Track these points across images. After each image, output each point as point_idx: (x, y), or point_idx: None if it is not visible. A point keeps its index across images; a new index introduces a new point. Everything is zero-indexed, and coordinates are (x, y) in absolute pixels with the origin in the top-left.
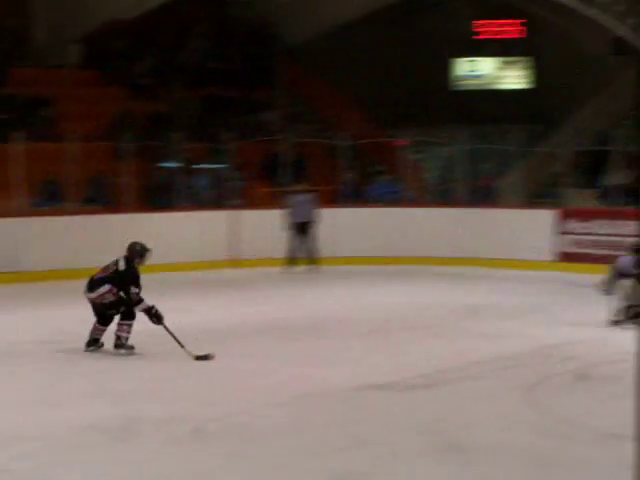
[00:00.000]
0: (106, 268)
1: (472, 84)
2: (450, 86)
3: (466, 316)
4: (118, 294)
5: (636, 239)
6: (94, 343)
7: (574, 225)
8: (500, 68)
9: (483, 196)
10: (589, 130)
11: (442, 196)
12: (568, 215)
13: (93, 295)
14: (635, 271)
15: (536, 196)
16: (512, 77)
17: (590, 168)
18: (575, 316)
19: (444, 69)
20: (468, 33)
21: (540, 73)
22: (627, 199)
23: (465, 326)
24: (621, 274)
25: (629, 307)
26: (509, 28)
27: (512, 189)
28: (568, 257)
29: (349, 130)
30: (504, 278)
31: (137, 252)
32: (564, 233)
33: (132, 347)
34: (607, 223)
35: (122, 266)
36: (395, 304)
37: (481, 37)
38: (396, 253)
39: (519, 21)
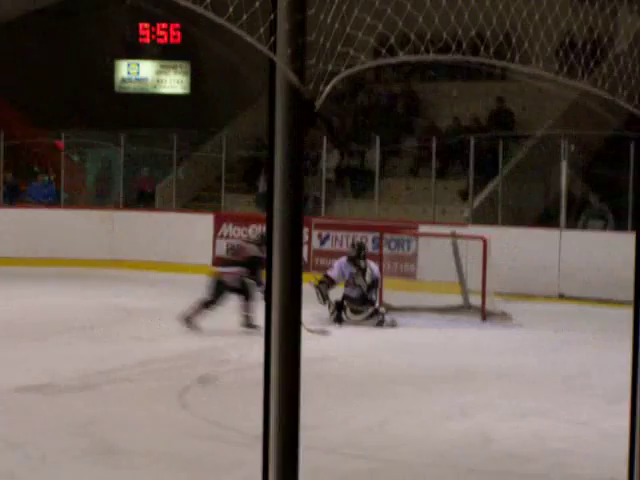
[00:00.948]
0: (235, 253)
1: (134, 87)
2: (113, 88)
3: (122, 319)
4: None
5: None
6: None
7: (230, 229)
8: (160, 72)
9: (142, 199)
10: (248, 136)
11: (101, 198)
12: (224, 219)
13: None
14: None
15: (195, 200)
16: (171, 81)
17: (249, 173)
18: (228, 319)
19: (107, 71)
20: (131, 36)
21: (198, 78)
22: None
23: (120, 329)
24: (331, 280)
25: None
26: (169, 32)
27: (171, 193)
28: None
29: (5, 130)
30: (161, 281)
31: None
32: (221, 237)
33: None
34: (262, 227)
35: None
36: (49, 306)
37: (143, 40)
38: (52, 254)
39: (177, 26)
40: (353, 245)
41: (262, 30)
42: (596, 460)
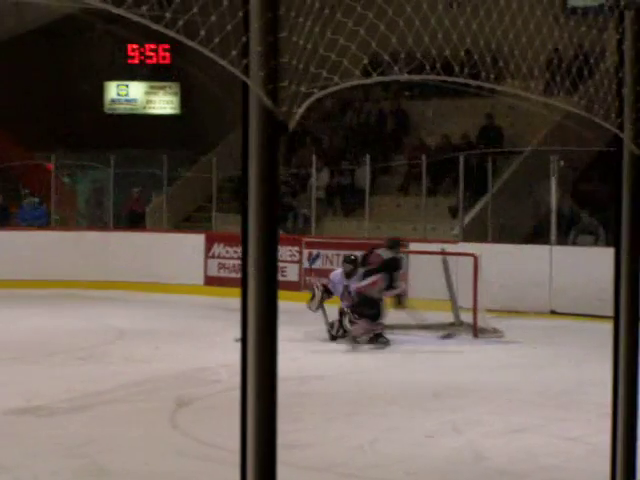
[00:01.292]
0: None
1: (123, 108)
2: (103, 109)
3: (114, 340)
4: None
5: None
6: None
7: (221, 249)
8: (149, 93)
9: (133, 220)
10: (238, 155)
11: (92, 219)
12: (215, 239)
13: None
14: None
15: (186, 220)
16: (161, 102)
17: (239, 193)
18: (221, 339)
19: (97, 92)
20: (120, 57)
21: (188, 98)
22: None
23: (113, 350)
24: (328, 291)
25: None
26: (157, 53)
27: (161, 213)
28: (216, 281)
29: None
30: (153, 302)
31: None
32: (212, 257)
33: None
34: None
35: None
36: (40, 328)
37: (133, 62)
38: (44, 277)
39: (166, 46)
40: (348, 261)
41: (235, 53)
42: (587, 475)
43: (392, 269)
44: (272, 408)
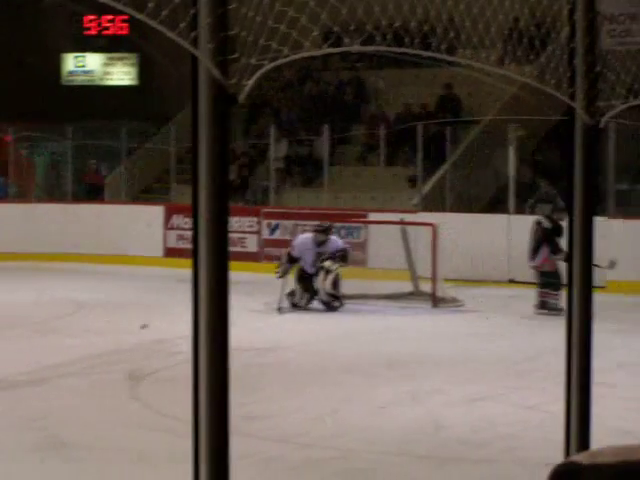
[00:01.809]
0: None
1: (81, 80)
2: (60, 81)
3: (72, 312)
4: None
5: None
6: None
7: (180, 221)
8: (107, 64)
9: (92, 192)
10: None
11: (51, 192)
12: (174, 211)
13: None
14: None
15: (144, 192)
16: (119, 73)
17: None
18: (180, 311)
19: (54, 64)
20: (77, 28)
21: (147, 69)
22: (233, 195)
23: (71, 322)
24: (292, 259)
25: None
26: (115, 24)
27: (120, 185)
28: (175, 252)
29: None
30: (112, 274)
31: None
32: (170, 229)
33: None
34: None
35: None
36: (1, 302)
37: (89, 33)
38: (1, 249)
39: (124, 17)
40: (320, 229)
41: (183, 25)
42: (546, 443)
43: (556, 235)
44: (224, 379)
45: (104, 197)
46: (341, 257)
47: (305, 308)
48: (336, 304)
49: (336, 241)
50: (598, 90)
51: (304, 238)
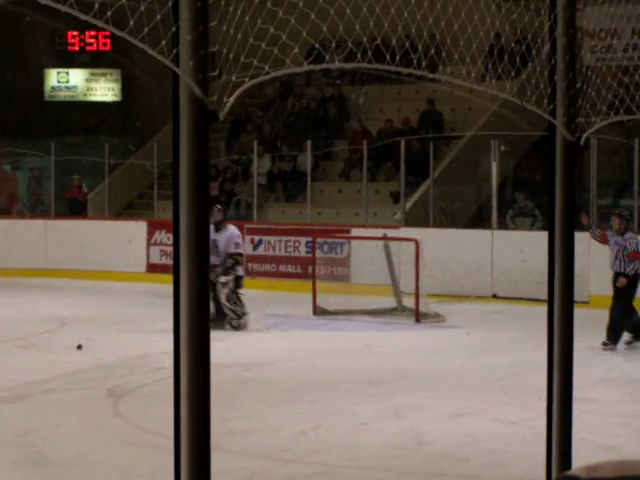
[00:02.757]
0: None
1: (64, 95)
2: (43, 97)
3: (55, 328)
4: None
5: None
6: None
7: (162, 236)
8: (90, 80)
9: (74, 208)
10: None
11: (32, 207)
12: (156, 226)
13: None
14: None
15: (128, 208)
16: (102, 89)
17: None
18: (163, 327)
19: (37, 80)
20: (60, 44)
21: (129, 85)
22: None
23: (54, 338)
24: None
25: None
26: (97, 40)
27: (103, 201)
28: (158, 268)
29: None
30: (95, 290)
31: None
32: (153, 244)
33: None
34: None
35: None
36: None
37: (72, 49)
38: None
39: (106, 33)
40: (218, 209)
41: (164, 42)
42: (529, 458)
43: None
44: (205, 395)
45: (87, 213)
46: (233, 265)
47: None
48: (241, 322)
49: (233, 232)
50: (579, 107)
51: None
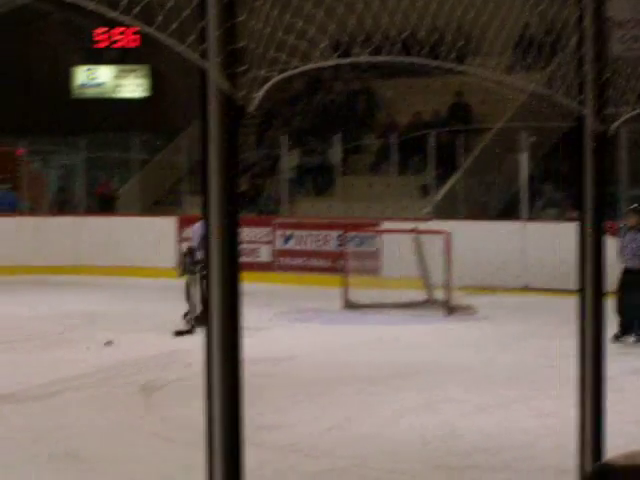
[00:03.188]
0: None
1: (92, 92)
2: (71, 94)
3: (85, 324)
4: None
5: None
6: None
7: None
8: (118, 76)
9: (103, 204)
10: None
11: (62, 205)
12: (186, 222)
13: None
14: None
15: (157, 204)
16: (130, 85)
17: None
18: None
19: (65, 77)
20: (88, 41)
21: (158, 81)
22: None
23: (85, 335)
24: (193, 252)
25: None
26: (125, 37)
27: (133, 197)
28: None
29: None
30: (125, 286)
31: None
32: (184, 241)
33: None
34: None
35: None
36: (13, 315)
37: (100, 45)
38: (15, 262)
39: (134, 29)
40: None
41: (193, 37)
42: (561, 450)
43: None
44: (236, 389)
45: (116, 209)
46: None
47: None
48: None
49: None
50: (608, 97)
51: (196, 225)
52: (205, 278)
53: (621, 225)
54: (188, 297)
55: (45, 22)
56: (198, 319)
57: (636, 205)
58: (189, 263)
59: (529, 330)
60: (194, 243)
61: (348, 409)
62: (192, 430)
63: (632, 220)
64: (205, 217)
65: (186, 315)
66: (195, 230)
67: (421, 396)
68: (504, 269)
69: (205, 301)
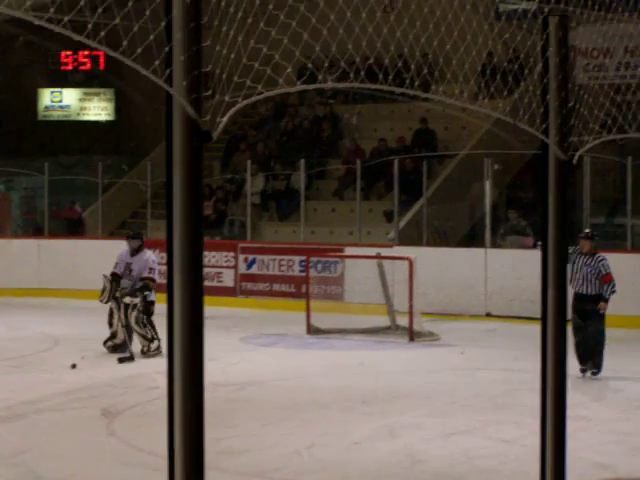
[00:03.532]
0: None
1: (57, 115)
2: (36, 117)
3: (49, 347)
4: None
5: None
6: None
7: (157, 256)
8: (83, 99)
9: (69, 227)
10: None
11: (26, 227)
12: (149, 246)
13: None
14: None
15: (121, 227)
16: (95, 108)
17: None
18: (161, 347)
19: (30, 100)
20: (53, 64)
21: (122, 106)
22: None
23: (47, 357)
24: (118, 278)
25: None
26: (91, 60)
27: (97, 220)
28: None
29: None
30: (88, 309)
31: None
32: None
33: None
34: None
35: None
36: None
37: (65, 68)
38: None
39: (99, 53)
40: (134, 236)
41: (158, 62)
42: (523, 477)
43: None
44: (199, 414)
45: (81, 232)
46: (141, 288)
47: (123, 349)
48: (152, 347)
49: (149, 257)
50: (571, 125)
51: (122, 251)
52: (127, 306)
53: (570, 250)
54: (111, 324)
55: (11, 44)
56: (117, 346)
57: (587, 231)
58: (114, 289)
59: (492, 356)
60: (119, 269)
61: (312, 434)
62: (154, 454)
63: (586, 246)
64: (169, 241)
65: (106, 342)
66: (120, 256)
67: (384, 422)
68: (467, 296)
69: (128, 329)
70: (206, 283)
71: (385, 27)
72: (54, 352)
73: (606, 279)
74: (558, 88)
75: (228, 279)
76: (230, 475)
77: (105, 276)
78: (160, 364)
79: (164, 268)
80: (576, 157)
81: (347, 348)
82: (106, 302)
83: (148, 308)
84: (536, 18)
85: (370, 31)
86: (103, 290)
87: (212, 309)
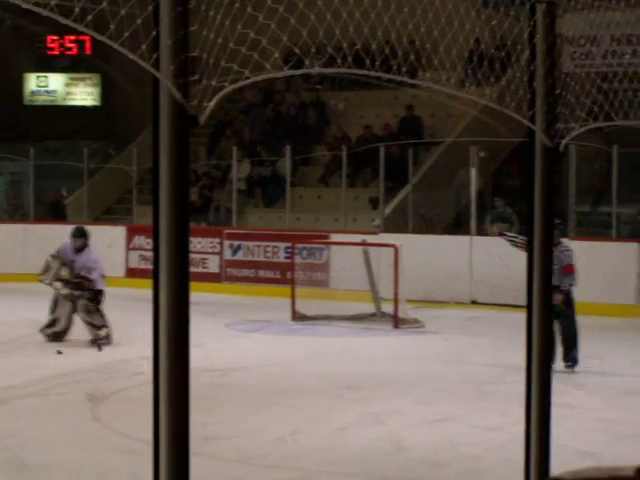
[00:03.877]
0: None
1: (43, 100)
2: (22, 101)
3: (33, 333)
4: None
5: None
6: None
7: (141, 241)
8: (70, 84)
9: (54, 212)
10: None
11: (12, 212)
12: (135, 231)
13: None
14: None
15: (107, 212)
16: (82, 93)
17: None
18: (144, 332)
19: (16, 84)
20: (39, 48)
21: (108, 90)
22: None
23: (32, 343)
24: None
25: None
26: (77, 45)
27: (82, 205)
28: (137, 273)
29: None
30: None
31: None
32: (132, 249)
33: None
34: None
35: None
36: None
37: (52, 53)
38: None
39: (86, 38)
40: (78, 234)
41: (145, 46)
42: (507, 464)
43: None
44: (185, 400)
45: (66, 217)
46: (76, 285)
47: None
48: (100, 334)
49: (90, 257)
50: (558, 113)
51: (65, 243)
52: (86, 300)
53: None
54: (54, 310)
55: None
56: (57, 334)
57: (556, 222)
58: (56, 275)
59: (476, 344)
60: (65, 258)
61: (296, 421)
62: (139, 440)
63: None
64: (155, 227)
65: (45, 329)
66: (64, 248)
67: (369, 408)
68: (452, 283)
69: (88, 323)
70: (191, 269)
71: (372, 13)
72: (39, 337)
73: (567, 270)
74: (545, 75)
75: (213, 265)
76: (214, 461)
77: (53, 255)
78: (145, 349)
79: (151, 254)
80: (562, 144)
81: (332, 335)
82: (48, 283)
83: (97, 297)
84: (523, 5)
85: (357, 17)
86: (47, 269)
87: (197, 295)
